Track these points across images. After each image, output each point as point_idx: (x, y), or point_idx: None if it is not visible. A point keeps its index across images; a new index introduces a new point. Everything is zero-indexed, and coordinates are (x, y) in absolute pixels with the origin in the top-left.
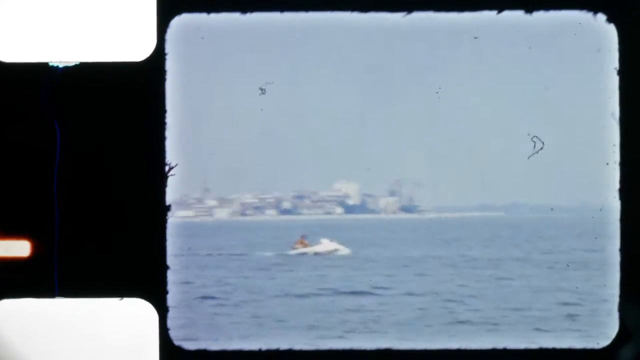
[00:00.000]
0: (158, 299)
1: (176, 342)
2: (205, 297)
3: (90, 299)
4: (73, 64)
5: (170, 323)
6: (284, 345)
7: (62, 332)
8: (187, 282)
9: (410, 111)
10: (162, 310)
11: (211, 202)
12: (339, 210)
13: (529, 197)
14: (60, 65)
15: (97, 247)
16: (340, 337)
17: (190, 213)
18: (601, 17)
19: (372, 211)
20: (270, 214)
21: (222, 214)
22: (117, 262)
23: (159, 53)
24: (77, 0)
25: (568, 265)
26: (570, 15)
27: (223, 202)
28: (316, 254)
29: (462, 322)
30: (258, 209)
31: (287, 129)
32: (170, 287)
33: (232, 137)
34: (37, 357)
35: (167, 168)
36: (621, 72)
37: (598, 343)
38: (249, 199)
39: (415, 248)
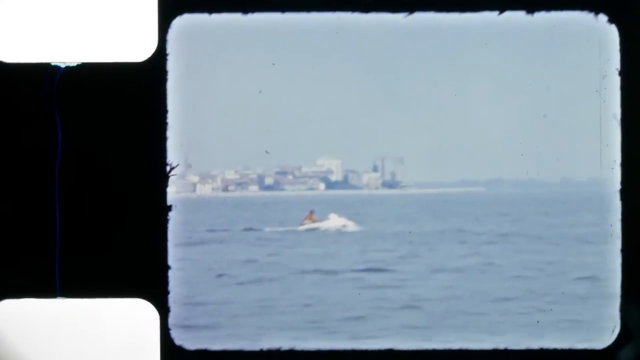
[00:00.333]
0: (159, 299)
1: (177, 342)
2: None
3: (91, 299)
4: (74, 64)
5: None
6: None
7: (63, 332)
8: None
9: (393, 92)
10: (163, 310)
11: (193, 178)
12: (322, 186)
13: (508, 173)
14: (62, 66)
15: (99, 247)
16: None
17: (172, 189)
18: (602, 17)
19: (355, 187)
20: (253, 190)
21: (204, 190)
22: (118, 262)
23: (161, 53)
24: (78, 1)
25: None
26: (572, 16)
27: (205, 178)
28: (325, 230)
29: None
30: (240, 185)
31: (272, 106)
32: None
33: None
34: (38, 357)
35: (168, 168)
36: (623, 73)
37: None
38: (231, 175)
39: (417, 223)
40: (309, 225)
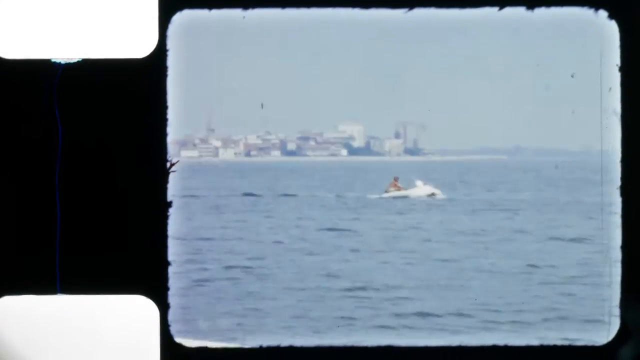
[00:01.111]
0: (159, 295)
1: (177, 339)
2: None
3: (91, 295)
4: (75, 60)
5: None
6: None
7: (63, 328)
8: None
9: (415, 64)
10: (163, 307)
11: (216, 143)
12: (344, 152)
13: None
14: (62, 62)
15: (99, 243)
16: None
17: (194, 153)
18: (603, 13)
19: (377, 153)
20: (275, 155)
21: (226, 154)
22: (118, 258)
23: (161, 49)
24: None
25: None
26: (572, 11)
27: (228, 142)
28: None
29: None
30: (262, 149)
31: (294, 71)
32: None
33: (239, 83)
34: (38, 353)
35: (168, 164)
36: (623, 69)
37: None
38: (253, 139)
39: (498, 192)
40: (395, 192)
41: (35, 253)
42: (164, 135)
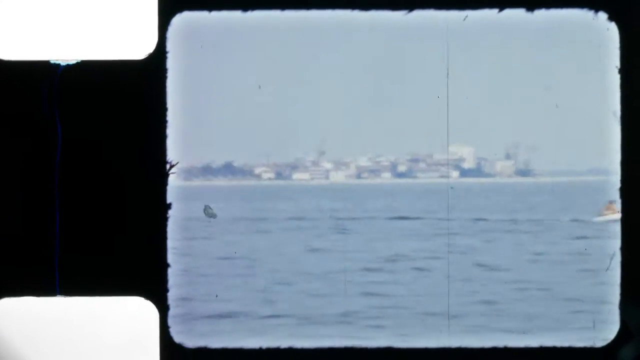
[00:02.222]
0: (159, 297)
1: (177, 340)
2: None
3: (91, 297)
4: (74, 61)
5: None
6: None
7: (63, 330)
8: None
9: (521, 83)
10: (163, 308)
11: (327, 165)
12: (455, 173)
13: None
14: (61, 63)
15: (98, 245)
16: None
17: (306, 176)
18: (602, 15)
19: (488, 175)
20: (386, 177)
21: (338, 177)
22: (118, 260)
23: (160, 51)
24: None
25: None
26: (571, 13)
27: (339, 164)
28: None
29: None
30: (373, 172)
31: (402, 95)
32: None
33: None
34: (38, 355)
35: (168, 166)
36: (622, 71)
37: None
38: (364, 162)
39: None
40: (611, 216)
41: (35, 255)
42: (163, 136)
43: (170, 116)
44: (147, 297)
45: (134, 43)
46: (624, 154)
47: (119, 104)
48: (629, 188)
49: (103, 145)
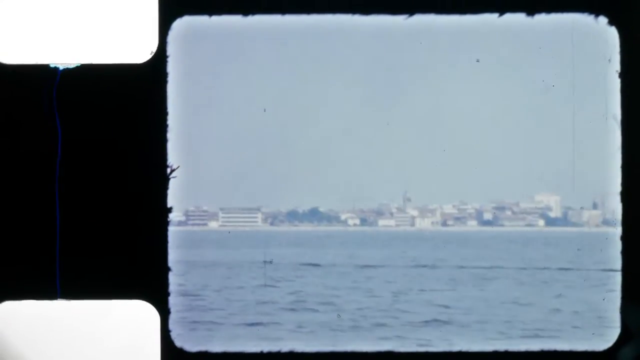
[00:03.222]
0: (160, 300)
1: (177, 344)
2: None
3: (92, 300)
4: (74, 65)
5: None
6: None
7: (64, 334)
8: None
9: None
10: (164, 312)
11: (412, 212)
12: (541, 222)
13: None
14: (61, 67)
15: (99, 249)
16: None
17: (391, 222)
18: (603, 19)
19: (574, 224)
20: (471, 225)
21: (423, 224)
22: (119, 264)
23: (161, 55)
24: (78, 2)
25: None
26: (572, 18)
27: (424, 211)
28: None
29: None
30: (459, 219)
31: (480, 142)
32: None
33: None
34: (39, 358)
35: (169, 170)
36: (623, 75)
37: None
38: (449, 209)
39: None
40: None
41: (36, 258)
42: (164, 140)
43: (171, 120)
44: (148, 300)
45: (134, 47)
46: (624, 157)
47: (120, 107)
48: (629, 192)
49: (103, 148)
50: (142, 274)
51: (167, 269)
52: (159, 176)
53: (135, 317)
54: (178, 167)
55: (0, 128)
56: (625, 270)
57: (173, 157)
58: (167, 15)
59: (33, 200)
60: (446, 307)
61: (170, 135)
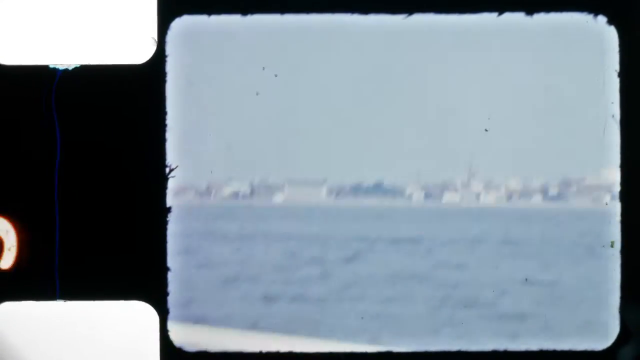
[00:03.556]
0: (159, 301)
1: (177, 344)
2: None
3: (91, 301)
4: (73, 66)
5: None
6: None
7: (63, 335)
8: None
9: None
10: (163, 312)
11: (477, 187)
12: (607, 198)
13: None
14: (60, 68)
15: (98, 249)
16: None
17: (456, 198)
18: (602, 19)
19: None
20: (537, 201)
21: (488, 199)
22: (118, 264)
23: (160, 55)
24: (77, 2)
25: None
26: (571, 17)
27: (489, 186)
28: None
29: None
30: (524, 194)
31: (554, 111)
32: None
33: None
34: (38, 359)
35: (167, 170)
36: (622, 74)
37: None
38: (513, 184)
39: None
40: None
41: (35, 259)
42: (163, 140)
43: (170, 120)
44: (147, 301)
45: (133, 47)
46: (622, 157)
47: (119, 108)
48: (629, 191)
49: (102, 149)
50: (141, 274)
51: (166, 269)
52: (158, 176)
53: (134, 318)
54: (177, 167)
55: None
56: (625, 269)
57: (172, 157)
58: (166, 15)
59: (32, 201)
60: None
61: (169, 135)
